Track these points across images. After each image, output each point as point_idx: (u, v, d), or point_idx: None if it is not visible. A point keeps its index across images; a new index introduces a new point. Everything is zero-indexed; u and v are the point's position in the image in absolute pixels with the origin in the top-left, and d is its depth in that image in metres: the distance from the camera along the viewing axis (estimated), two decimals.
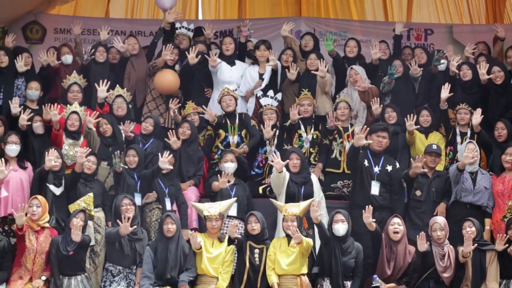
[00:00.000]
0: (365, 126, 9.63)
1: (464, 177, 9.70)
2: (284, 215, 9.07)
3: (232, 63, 11.26)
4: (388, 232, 9.07)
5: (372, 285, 8.80)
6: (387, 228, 9.09)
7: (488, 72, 10.64)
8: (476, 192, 9.68)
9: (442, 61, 10.90)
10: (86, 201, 9.14)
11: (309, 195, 9.62)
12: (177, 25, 11.62)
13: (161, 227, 9.03)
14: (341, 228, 8.89)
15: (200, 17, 14.04)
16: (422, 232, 9.04)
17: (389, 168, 9.75)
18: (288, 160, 9.71)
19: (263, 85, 11.11)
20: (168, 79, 10.95)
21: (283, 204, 9.35)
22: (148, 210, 9.63)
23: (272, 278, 8.87)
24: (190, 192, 10.03)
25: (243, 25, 11.52)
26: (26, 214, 8.85)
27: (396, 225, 9.06)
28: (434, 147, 9.96)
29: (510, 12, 13.56)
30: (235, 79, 11.16)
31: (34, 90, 10.57)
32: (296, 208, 9.10)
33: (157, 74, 10.95)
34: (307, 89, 10.75)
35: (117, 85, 10.72)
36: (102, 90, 10.46)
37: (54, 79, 11.14)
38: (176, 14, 11.70)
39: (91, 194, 9.26)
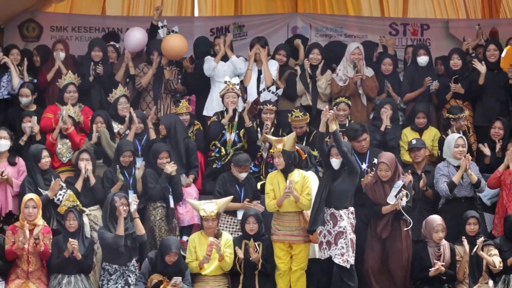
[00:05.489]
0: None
1: (451, 173, 9.64)
2: (272, 152, 9.07)
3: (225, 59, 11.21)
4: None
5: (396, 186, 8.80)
6: None
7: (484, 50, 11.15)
8: (466, 185, 9.64)
9: None
10: (69, 200, 9.06)
11: None
12: (160, 24, 11.40)
13: (163, 256, 8.88)
14: (335, 162, 8.90)
15: (196, 14, 14.05)
16: None
17: (376, 160, 9.64)
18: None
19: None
20: (175, 43, 11.03)
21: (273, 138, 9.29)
22: (152, 209, 9.60)
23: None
24: (191, 188, 10.03)
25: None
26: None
27: None
28: (414, 142, 9.96)
29: (506, 6, 13.58)
30: (229, 73, 11.01)
31: (25, 97, 10.47)
32: (280, 144, 9.00)
33: (164, 40, 11.07)
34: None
35: (119, 85, 10.75)
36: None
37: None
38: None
39: (69, 192, 9.21)
